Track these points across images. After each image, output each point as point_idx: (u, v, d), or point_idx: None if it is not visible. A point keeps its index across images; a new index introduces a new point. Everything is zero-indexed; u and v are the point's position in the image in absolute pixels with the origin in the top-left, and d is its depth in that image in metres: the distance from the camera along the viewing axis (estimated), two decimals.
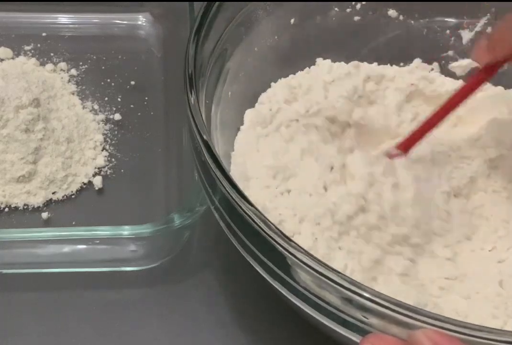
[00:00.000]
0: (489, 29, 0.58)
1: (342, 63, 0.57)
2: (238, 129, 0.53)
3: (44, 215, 0.54)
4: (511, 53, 0.45)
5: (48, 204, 0.55)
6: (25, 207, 0.55)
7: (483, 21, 0.58)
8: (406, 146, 0.50)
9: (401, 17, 0.59)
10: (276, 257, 0.38)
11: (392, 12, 0.59)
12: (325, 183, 0.49)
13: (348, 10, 0.58)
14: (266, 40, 0.55)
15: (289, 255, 0.37)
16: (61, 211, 0.55)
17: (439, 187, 0.50)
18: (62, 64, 0.62)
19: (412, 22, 0.59)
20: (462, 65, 0.59)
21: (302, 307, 0.39)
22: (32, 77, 0.58)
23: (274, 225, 0.38)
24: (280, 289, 0.39)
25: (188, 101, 0.44)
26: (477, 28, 0.59)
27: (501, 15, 0.57)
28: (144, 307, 0.51)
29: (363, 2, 0.58)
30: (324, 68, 0.56)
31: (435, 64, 0.60)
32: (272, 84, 0.56)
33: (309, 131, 0.52)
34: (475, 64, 0.59)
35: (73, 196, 0.56)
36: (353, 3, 0.58)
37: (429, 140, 0.50)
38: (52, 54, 0.64)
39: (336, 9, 0.58)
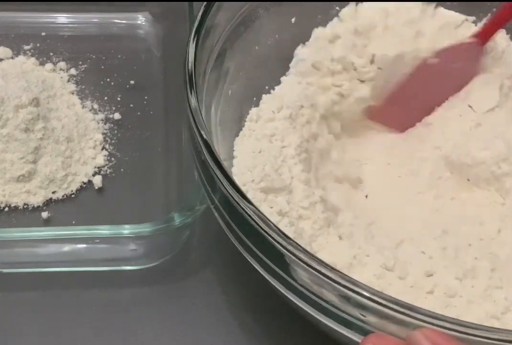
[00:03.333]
0: None
1: None
2: (238, 128, 0.53)
3: (44, 214, 0.54)
4: None
5: (48, 203, 0.55)
6: (25, 206, 0.55)
7: (484, 20, 0.58)
8: (485, 34, 0.52)
9: None
10: (275, 255, 0.38)
11: None
12: None
13: None
14: (266, 39, 0.55)
15: (287, 253, 0.37)
16: (61, 210, 0.55)
17: None
18: (62, 64, 0.63)
19: None
20: None
21: (300, 305, 0.39)
22: (31, 76, 0.58)
23: (273, 223, 0.38)
24: (278, 287, 0.40)
25: (188, 101, 0.44)
26: (478, 28, 0.59)
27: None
28: (144, 306, 0.51)
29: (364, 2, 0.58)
30: None
31: None
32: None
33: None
34: None
35: (73, 195, 0.56)
36: (354, 2, 0.58)
37: None
38: (51, 53, 0.64)
39: (337, 8, 0.58)
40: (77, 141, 0.57)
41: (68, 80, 0.62)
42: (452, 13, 0.58)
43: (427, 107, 0.56)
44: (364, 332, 0.37)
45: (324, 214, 0.48)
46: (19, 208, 0.55)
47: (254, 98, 0.54)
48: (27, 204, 0.55)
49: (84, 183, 0.56)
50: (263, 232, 0.38)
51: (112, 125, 0.60)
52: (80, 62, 0.63)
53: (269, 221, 0.38)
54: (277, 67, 0.56)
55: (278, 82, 0.55)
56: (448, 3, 0.58)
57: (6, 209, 0.55)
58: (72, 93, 0.61)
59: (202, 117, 0.43)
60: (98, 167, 0.57)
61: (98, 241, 0.49)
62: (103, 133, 0.59)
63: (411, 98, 0.56)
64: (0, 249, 0.50)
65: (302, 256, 0.37)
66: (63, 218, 0.55)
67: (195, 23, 0.48)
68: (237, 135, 0.52)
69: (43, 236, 0.49)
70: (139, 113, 0.61)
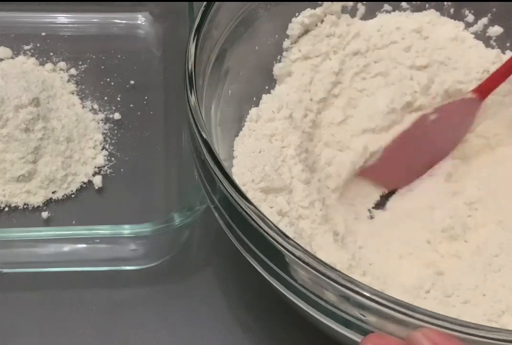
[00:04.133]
0: (489, 29, 0.58)
1: None
2: (238, 128, 0.53)
3: (44, 214, 0.54)
4: None
5: (48, 203, 0.55)
6: (25, 206, 0.55)
7: (483, 21, 0.58)
8: (485, 89, 0.49)
9: None
10: (275, 255, 0.38)
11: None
12: None
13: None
14: (266, 39, 0.55)
15: (287, 253, 0.37)
16: (61, 210, 0.55)
17: None
18: (62, 64, 0.63)
19: None
20: None
21: (300, 305, 0.39)
22: (31, 76, 0.58)
23: (273, 223, 0.38)
24: (278, 287, 0.40)
25: (188, 101, 0.44)
26: (478, 28, 0.59)
27: (501, 15, 0.57)
28: (144, 306, 0.51)
29: (364, 2, 0.58)
30: None
31: None
32: None
33: None
34: None
35: (73, 195, 0.56)
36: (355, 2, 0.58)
37: None
38: (51, 53, 0.64)
39: None
40: (77, 141, 0.57)
41: (68, 80, 0.62)
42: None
43: (421, 164, 0.55)
44: (364, 332, 0.37)
45: (322, 211, 0.49)
46: (19, 208, 0.55)
47: (254, 98, 0.54)
48: (27, 204, 0.55)
49: (84, 183, 0.56)
50: (263, 232, 0.38)
51: (112, 125, 0.60)
52: (80, 62, 0.63)
53: (269, 221, 0.38)
54: None
55: (278, 82, 0.56)
56: (446, 3, 0.58)
57: (6, 209, 0.55)
58: (72, 93, 0.61)
59: (202, 117, 0.43)
60: (98, 167, 0.57)
61: (98, 241, 0.49)
62: (103, 133, 0.59)
63: (405, 155, 0.54)
64: (0, 249, 0.50)
65: (302, 256, 0.37)
66: (63, 218, 0.55)
67: (195, 23, 0.48)
68: (237, 135, 0.52)
69: (43, 236, 0.49)
70: (139, 113, 0.61)
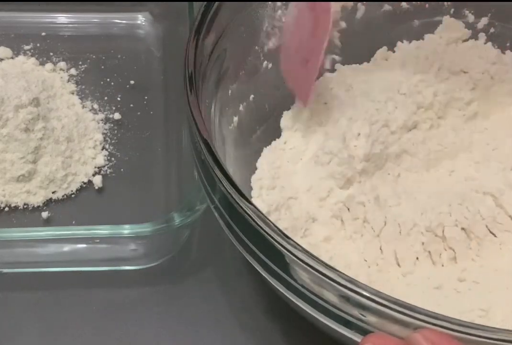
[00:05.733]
0: (492, 30, 0.59)
1: None
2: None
3: (44, 214, 0.54)
4: None
5: (48, 203, 0.55)
6: (25, 206, 0.55)
7: (484, 21, 0.58)
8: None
9: None
10: (275, 255, 0.38)
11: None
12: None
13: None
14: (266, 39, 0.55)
15: (287, 253, 0.37)
16: (61, 210, 0.55)
17: None
18: (62, 64, 0.63)
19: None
20: None
21: (300, 305, 0.39)
22: (31, 76, 0.58)
23: (273, 223, 0.38)
24: (278, 287, 0.39)
25: (188, 101, 0.44)
26: (478, 28, 0.59)
27: (501, 15, 0.57)
28: (144, 306, 0.51)
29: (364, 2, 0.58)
30: None
31: None
32: None
33: None
34: None
35: (73, 195, 0.56)
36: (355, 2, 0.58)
37: None
38: (51, 53, 0.64)
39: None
40: (77, 141, 0.57)
41: (68, 80, 0.62)
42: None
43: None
44: (364, 332, 0.37)
45: None
46: (19, 208, 0.55)
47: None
48: (27, 204, 0.55)
49: (84, 183, 0.56)
50: (263, 232, 0.38)
51: (112, 125, 0.60)
52: (80, 62, 0.63)
53: (269, 221, 0.38)
54: (277, 67, 0.56)
55: None
56: (446, 3, 0.58)
57: (6, 209, 0.55)
58: (72, 93, 0.61)
59: (202, 117, 0.43)
60: (98, 167, 0.57)
61: (98, 241, 0.49)
62: (103, 133, 0.59)
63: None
64: (0, 249, 0.50)
65: (302, 256, 0.37)
66: (63, 218, 0.55)
67: (195, 23, 0.48)
68: None
69: (43, 236, 0.49)
70: (139, 113, 0.61)
